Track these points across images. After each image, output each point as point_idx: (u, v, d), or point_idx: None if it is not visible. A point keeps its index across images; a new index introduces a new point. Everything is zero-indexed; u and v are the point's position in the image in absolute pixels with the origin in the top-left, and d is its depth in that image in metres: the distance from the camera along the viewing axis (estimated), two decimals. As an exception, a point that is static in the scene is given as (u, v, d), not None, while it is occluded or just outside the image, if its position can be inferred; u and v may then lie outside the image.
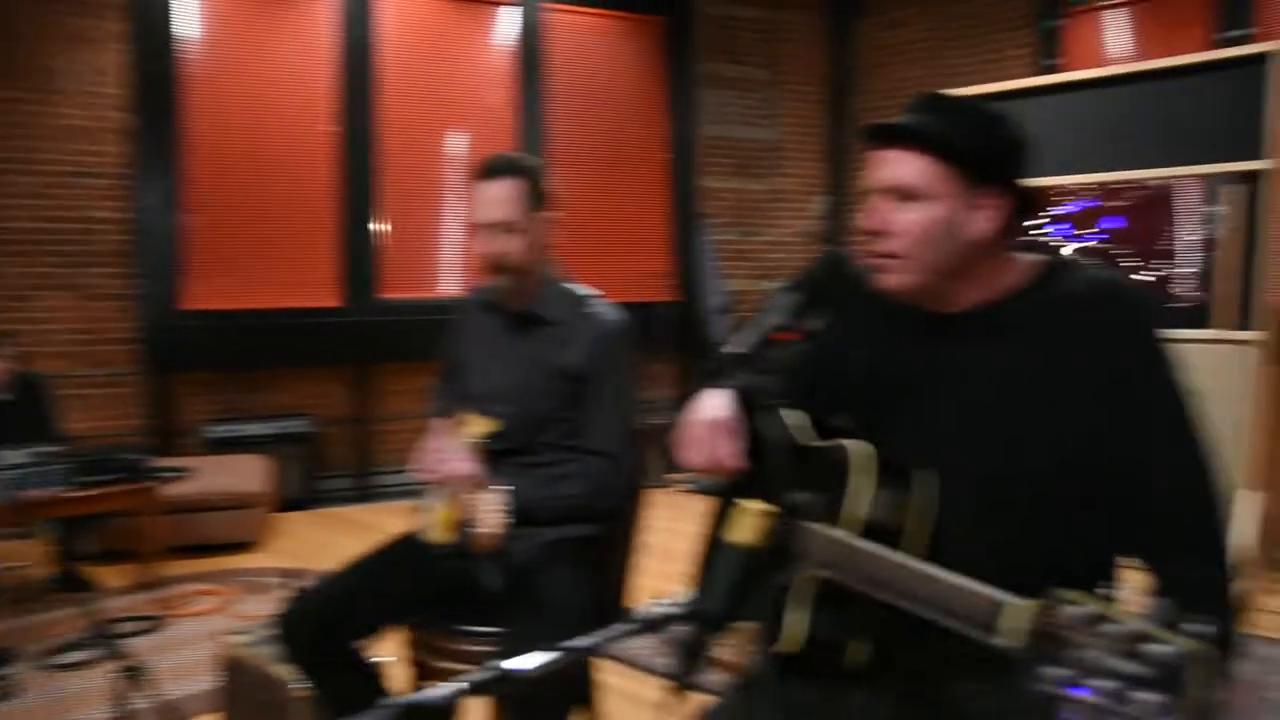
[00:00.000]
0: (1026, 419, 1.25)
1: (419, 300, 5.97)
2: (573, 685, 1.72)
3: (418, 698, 0.83)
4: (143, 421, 5.46)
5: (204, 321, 5.47)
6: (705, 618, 1.11)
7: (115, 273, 5.44)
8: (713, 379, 1.49)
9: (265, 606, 3.94)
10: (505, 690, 0.88)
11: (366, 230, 5.86)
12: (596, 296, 2.10)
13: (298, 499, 5.60)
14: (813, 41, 7.40)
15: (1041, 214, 4.77)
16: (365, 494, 5.93)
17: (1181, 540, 1.15)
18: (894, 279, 1.30)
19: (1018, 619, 0.94)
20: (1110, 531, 1.22)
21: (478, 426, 1.99)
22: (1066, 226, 4.72)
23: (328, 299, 5.79)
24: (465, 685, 0.86)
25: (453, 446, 2.07)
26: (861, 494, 1.25)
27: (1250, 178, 3.94)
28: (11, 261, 5.20)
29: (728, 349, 1.21)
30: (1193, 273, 4.45)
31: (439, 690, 0.85)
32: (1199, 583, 1.13)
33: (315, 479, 5.72)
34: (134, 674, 2.20)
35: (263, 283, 5.63)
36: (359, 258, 5.84)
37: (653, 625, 1.09)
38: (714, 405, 1.43)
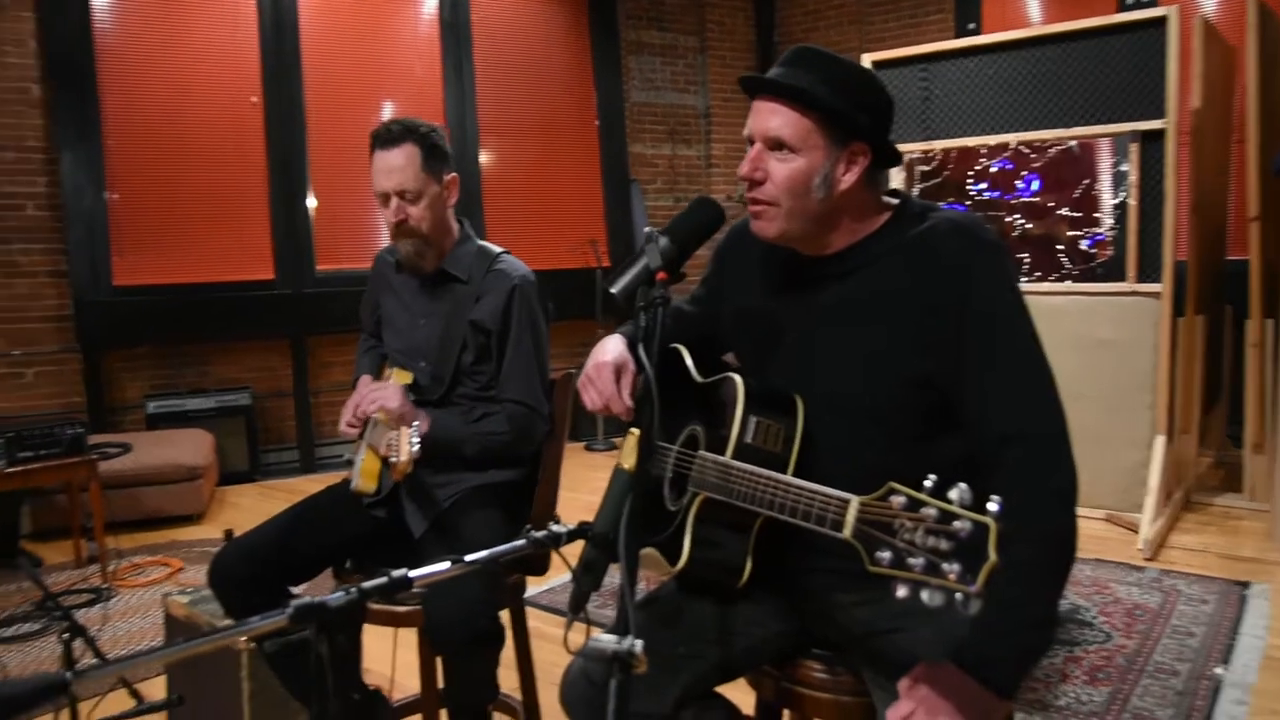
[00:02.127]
0: (878, 345, 1.38)
1: (354, 271, 5.99)
2: (491, 629, 1.82)
3: (317, 599, 0.93)
4: (80, 399, 5.43)
5: (138, 297, 5.44)
6: (594, 536, 1.22)
7: (43, 249, 5.38)
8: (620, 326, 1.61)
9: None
10: (401, 595, 0.96)
11: (298, 203, 5.85)
12: (506, 253, 2.18)
13: (241, 472, 5.63)
14: (738, 7, 7.49)
15: (969, 173, 4.92)
16: (309, 465, 5.97)
17: (1016, 450, 1.28)
18: (767, 225, 1.41)
19: (855, 511, 1.07)
20: (956, 444, 1.35)
21: (398, 380, 2.09)
22: (990, 185, 4.89)
23: (262, 272, 5.79)
24: (357, 590, 0.95)
25: (374, 386, 2.17)
26: (739, 423, 1.37)
27: (1155, 136, 4.13)
28: (-69, 240, 5.13)
29: (608, 287, 1.31)
30: (1109, 228, 4.63)
31: (337, 594, 0.95)
32: (1026, 489, 1.25)
33: (258, 452, 5.75)
34: (78, 638, 2.25)
35: (195, 257, 5.61)
36: (292, 230, 5.83)
37: (544, 543, 1.20)
38: (609, 349, 1.55)
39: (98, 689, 2.36)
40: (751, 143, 1.41)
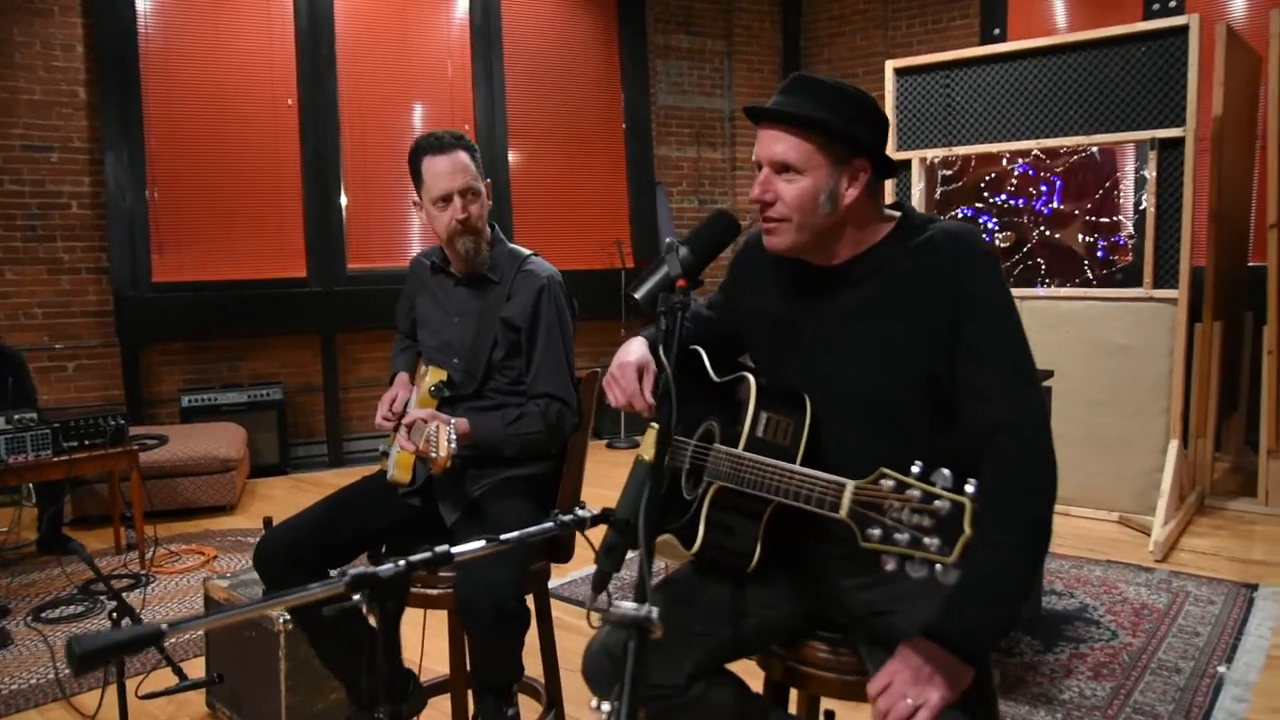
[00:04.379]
0: (884, 347, 1.49)
1: (384, 270, 6.15)
2: (517, 610, 1.94)
3: (369, 570, 1.05)
4: (118, 392, 5.61)
5: (175, 293, 5.62)
6: (615, 521, 1.33)
7: (86, 246, 5.57)
8: (644, 328, 1.72)
9: (245, 562, 4.16)
10: (442, 568, 1.07)
11: (331, 203, 6.00)
12: (535, 255, 2.31)
13: (272, 465, 5.79)
14: (765, 11, 7.58)
15: (985, 179, 4.99)
16: (338, 459, 6.13)
17: (1001, 441, 1.38)
18: (779, 240, 1.52)
19: (850, 493, 1.18)
20: (956, 438, 1.45)
21: (433, 376, 2.21)
22: (1012, 192, 4.95)
23: (295, 270, 5.95)
24: (405, 563, 1.07)
25: (407, 396, 2.30)
26: (751, 418, 1.48)
27: (1174, 144, 4.18)
28: (-22, 236, 5.32)
29: (632, 293, 1.43)
30: (1129, 234, 4.69)
31: (386, 566, 1.06)
32: (1010, 476, 1.36)
33: (288, 445, 5.91)
34: (125, 617, 2.38)
35: (231, 255, 5.79)
36: (324, 230, 5.99)
37: (569, 526, 1.31)
38: (633, 350, 1.66)
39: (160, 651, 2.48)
40: (760, 167, 1.52)
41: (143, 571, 4.02)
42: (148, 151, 5.53)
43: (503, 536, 1.21)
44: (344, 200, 6.06)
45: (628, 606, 1.01)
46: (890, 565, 1.10)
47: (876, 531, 1.12)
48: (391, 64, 6.18)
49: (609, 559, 1.36)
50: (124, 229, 5.50)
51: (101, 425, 4.04)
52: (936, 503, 1.06)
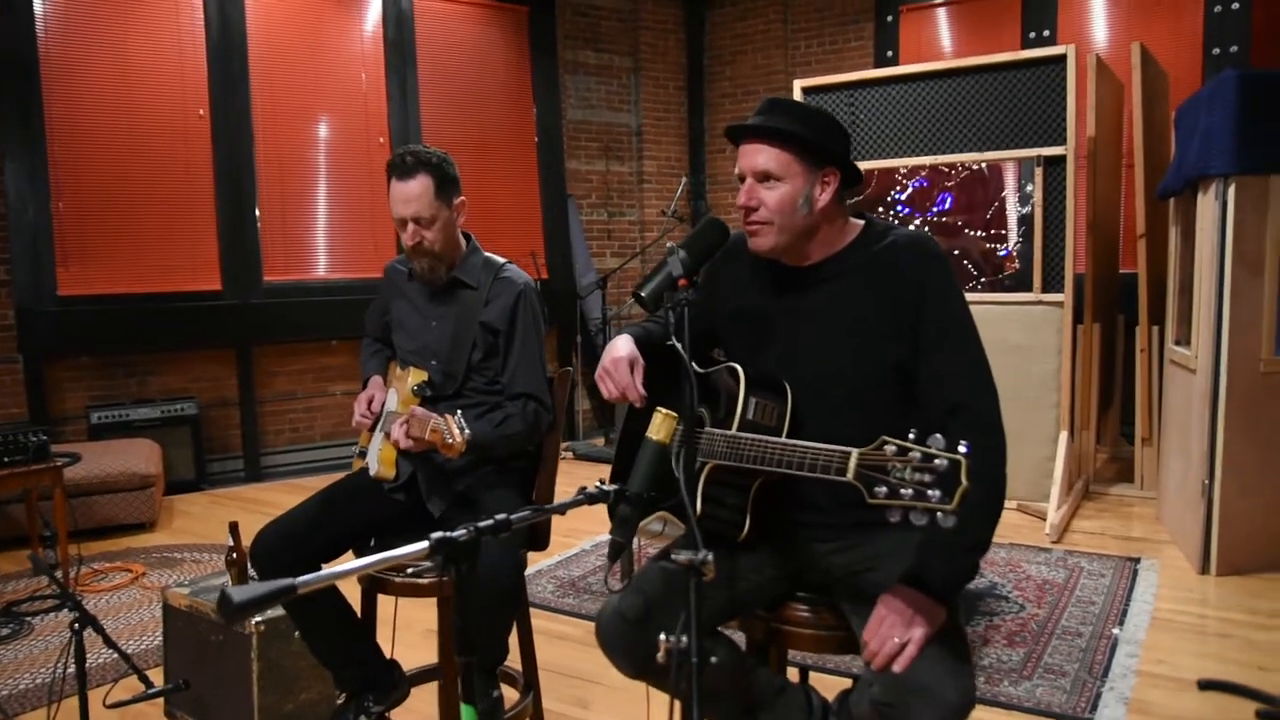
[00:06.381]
0: (854, 339, 1.70)
1: (299, 282, 6.11)
2: (514, 590, 2.07)
3: (447, 534, 1.17)
4: (20, 409, 5.41)
5: (83, 307, 5.46)
6: (629, 496, 1.49)
7: (-17, 260, 5.36)
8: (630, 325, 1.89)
9: (177, 578, 4.10)
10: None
11: (246, 214, 5.94)
12: (510, 263, 2.44)
13: (188, 481, 5.69)
14: (670, 30, 7.85)
15: (889, 192, 5.32)
16: (255, 474, 6.04)
17: (961, 417, 1.60)
18: (763, 241, 1.72)
19: (855, 459, 1.37)
20: (917, 413, 1.66)
21: (414, 377, 2.32)
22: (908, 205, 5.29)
23: (209, 283, 5.85)
24: (474, 528, 1.20)
25: (383, 398, 2.39)
26: (742, 403, 1.66)
27: (1057, 161, 4.59)
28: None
29: (639, 292, 1.60)
30: (1015, 243, 5.08)
31: (457, 531, 1.19)
32: (974, 443, 1.58)
33: (205, 461, 5.81)
34: (87, 627, 2.39)
35: (141, 267, 5.65)
36: (239, 241, 5.92)
37: (593, 499, 1.46)
38: (621, 347, 1.82)
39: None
40: (742, 179, 1.72)
41: (71, 591, 3.92)
42: (51, 160, 5.36)
43: (546, 507, 1.34)
44: (259, 212, 6.00)
45: (686, 552, 1.18)
46: (895, 517, 1.30)
47: (883, 489, 1.32)
48: (305, 76, 6.16)
49: (623, 530, 1.52)
50: (26, 241, 5.31)
51: (22, 442, 3.93)
52: (936, 461, 1.26)
